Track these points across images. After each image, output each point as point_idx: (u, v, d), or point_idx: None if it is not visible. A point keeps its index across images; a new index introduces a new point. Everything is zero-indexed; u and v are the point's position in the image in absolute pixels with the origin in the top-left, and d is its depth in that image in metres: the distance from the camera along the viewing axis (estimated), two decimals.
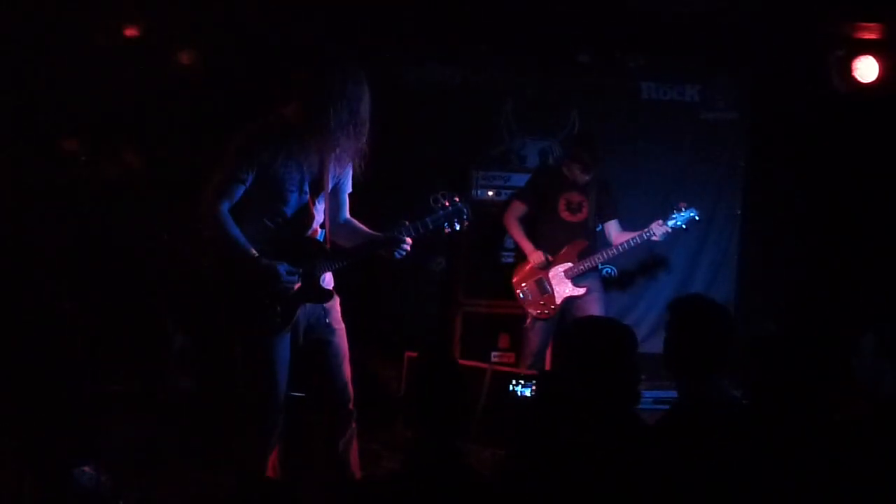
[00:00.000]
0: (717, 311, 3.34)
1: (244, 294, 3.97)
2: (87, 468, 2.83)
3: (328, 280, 4.24)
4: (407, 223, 4.15)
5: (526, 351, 6.06)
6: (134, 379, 5.58)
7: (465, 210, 4.22)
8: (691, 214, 5.73)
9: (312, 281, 4.09)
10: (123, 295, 5.77)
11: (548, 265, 5.95)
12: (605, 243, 6.03)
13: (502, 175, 6.64)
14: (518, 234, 6.09)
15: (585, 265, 5.91)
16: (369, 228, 4.29)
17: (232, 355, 4.13)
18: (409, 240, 4.15)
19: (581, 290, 5.92)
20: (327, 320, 4.22)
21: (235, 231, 3.92)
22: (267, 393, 4.07)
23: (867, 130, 6.44)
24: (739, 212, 7.00)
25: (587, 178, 5.92)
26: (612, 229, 6.03)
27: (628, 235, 5.87)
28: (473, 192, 6.60)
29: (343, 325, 4.29)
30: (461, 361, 5.23)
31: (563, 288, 5.94)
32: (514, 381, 5.16)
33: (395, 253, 4.16)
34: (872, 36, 6.10)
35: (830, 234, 6.78)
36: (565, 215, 6.01)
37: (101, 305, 5.64)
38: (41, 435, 2.73)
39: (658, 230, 5.73)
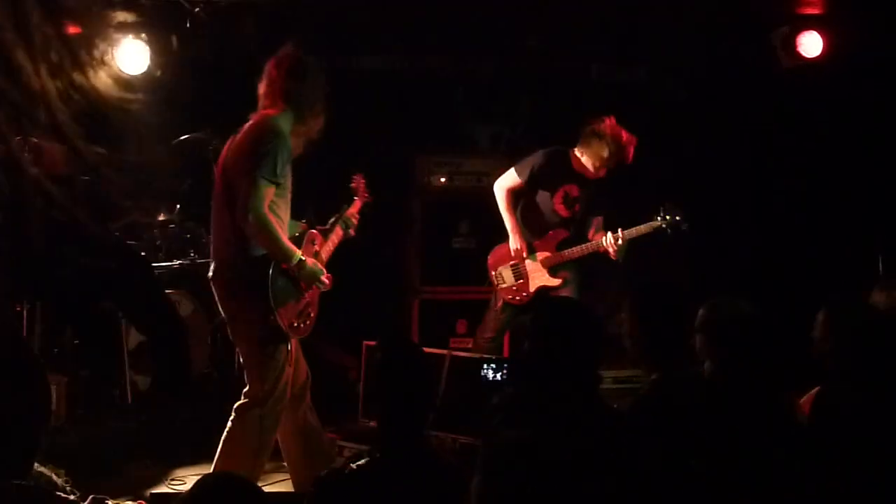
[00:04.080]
0: (680, 295, 3.37)
1: (293, 298, 4.14)
2: (42, 469, 2.75)
3: None
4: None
5: (484, 332, 5.92)
6: (88, 377, 5.50)
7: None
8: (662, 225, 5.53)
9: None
10: (76, 294, 5.68)
11: (530, 255, 5.75)
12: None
13: (454, 161, 6.61)
14: (510, 212, 5.74)
15: (563, 256, 5.72)
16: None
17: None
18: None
19: (556, 282, 5.74)
20: None
21: (281, 236, 4.03)
22: (283, 389, 4.18)
23: (815, 105, 6.51)
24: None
25: (604, 171, 5.59)
26: (593, 225, 5.76)
27: (596, 237, 5.63)
28: (425, 178, 6.57)
29: None
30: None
31: (538, 277, 5.77)
32: (484, 366, 5.12)
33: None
34: (815, 11, 6.16)
35: (782, 210, 6.85)
36: (559, 208, 5.73)
37: (53, 305, 5.55)
38: None
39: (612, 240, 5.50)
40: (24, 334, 5.25)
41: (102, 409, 5.49)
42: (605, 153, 5.50)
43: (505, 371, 5.12)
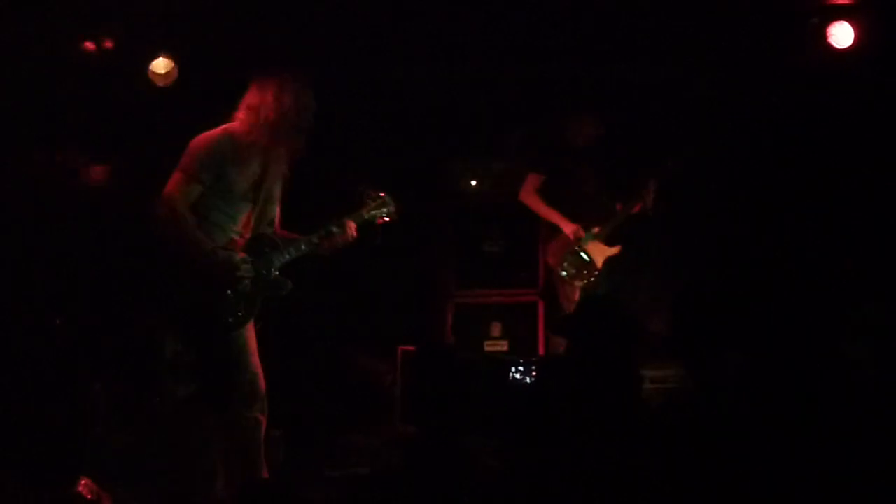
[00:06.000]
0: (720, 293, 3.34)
1: (207, 288, 4.16)
2: (86, 481, 2.78)
3: None
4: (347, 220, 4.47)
5: None
6: (126, 388, 5.54)
7: (391, 203, 4.65)
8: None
9: (270, 272, 4.34)
10: (112, 303, 5.73)
11: (585, 232, 5.96)
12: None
13: (484, 165, 6.61)
14: (545, 208, 6.04)
15: (612, 223, 5.99)
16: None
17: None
18: (352, 230, 4.46)
19: (616, 248, 5.99)
20: None
21: (194, 226, 4.16)
22: (247, 382, 4.24)
23: (846, 96, 6.43)
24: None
25: (599, 132, 5.99)
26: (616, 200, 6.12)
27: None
28: (456, 182, 6.57)
29: None
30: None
31: (600, 251, 5.98)
32: (512, 368, 5.12)
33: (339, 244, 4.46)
34: (846, 1, 6.09)
35: (813, 203, 6.77)
36: (584, 185, 6.04)
37: (91, 315, 5.60)
38: (37, 449, 2.68)
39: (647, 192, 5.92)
40: (64, 346, 5.30)
41: (141, 418, 5.53)
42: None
43: (533, 372, 5.12)
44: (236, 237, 4.31)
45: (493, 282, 6.51)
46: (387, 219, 4.65)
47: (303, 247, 4.42)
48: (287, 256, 4.39)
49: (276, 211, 4.51)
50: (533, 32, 6.50)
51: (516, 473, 3.00)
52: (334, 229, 4.45)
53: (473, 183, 6.59)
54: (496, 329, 6.49)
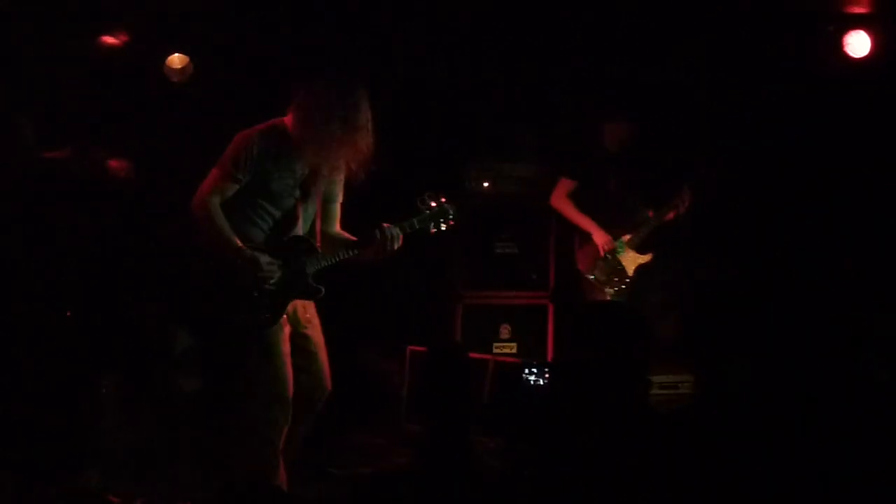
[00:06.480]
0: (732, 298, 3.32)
1: (231, 286, 4.11)
2: (94, 472, 2.80)
3: None
4: (388, 225, 4.29)
5: None
6: (133, 381, 5.55)
7: (451, 211, 4.43)
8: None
9: (303, 276, 4.23)
10: (121, 296, 5.74)
11: (616, 241, 5.98)
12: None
13: (497, 166, 6.60)
14: (576, 214, 6.05)
15: (644, 231, 5.99)
16: (360, 228, 4.42)
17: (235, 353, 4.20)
18: (400, 239, 4.29)
19: (648, 256, 6.00)
20: (307, 315, 4.38)
21: (224, 224, 4.10)
22: (269, 383, 4.16)
23: (862, 106, 6.41)
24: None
25: (633, 138, 5.99)
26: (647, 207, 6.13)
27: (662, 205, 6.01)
28: (468, 183, 6.55)
29: (318, 320, 4.42)
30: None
31: (631, 259, 5.99)
32: (526, 370, 5.13)
33: (382, 253, 4.30)
34: (862, 10, 6.07)
35: (825, 212, 6.75)
36: (617, 190, 6.05)
37: (99, 307, 5.61)
38: (45, 440, 2.70)
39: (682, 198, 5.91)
40: (71, 340, 5.31)
41: (149, 412, 5.54)
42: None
43: (546, 375, 5.12)
44: (277, 236, 4.25)
45: (504, 283, 6.50)
46: (443, 228, 4.46)
47: (341, 253, 4.31)
48: (323, 262, 4.28)
49: (336, 210, 4.44)
50: (549, 34, 6.51)
51: (520, 474, 2.99)
52: (378, 236, 4.26)
53: (486, 184, 6.58)
54: (505, 331, 6.49)
